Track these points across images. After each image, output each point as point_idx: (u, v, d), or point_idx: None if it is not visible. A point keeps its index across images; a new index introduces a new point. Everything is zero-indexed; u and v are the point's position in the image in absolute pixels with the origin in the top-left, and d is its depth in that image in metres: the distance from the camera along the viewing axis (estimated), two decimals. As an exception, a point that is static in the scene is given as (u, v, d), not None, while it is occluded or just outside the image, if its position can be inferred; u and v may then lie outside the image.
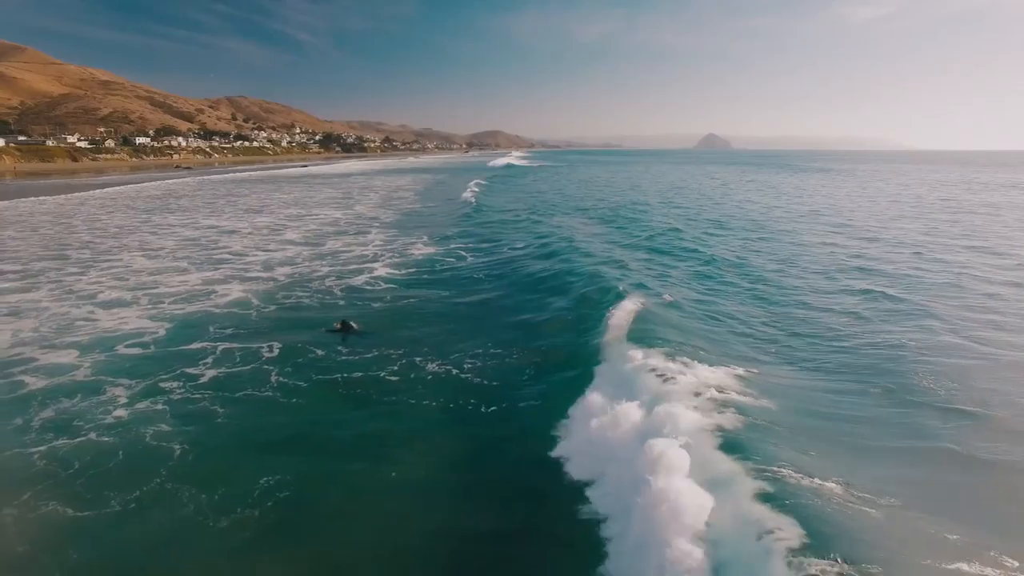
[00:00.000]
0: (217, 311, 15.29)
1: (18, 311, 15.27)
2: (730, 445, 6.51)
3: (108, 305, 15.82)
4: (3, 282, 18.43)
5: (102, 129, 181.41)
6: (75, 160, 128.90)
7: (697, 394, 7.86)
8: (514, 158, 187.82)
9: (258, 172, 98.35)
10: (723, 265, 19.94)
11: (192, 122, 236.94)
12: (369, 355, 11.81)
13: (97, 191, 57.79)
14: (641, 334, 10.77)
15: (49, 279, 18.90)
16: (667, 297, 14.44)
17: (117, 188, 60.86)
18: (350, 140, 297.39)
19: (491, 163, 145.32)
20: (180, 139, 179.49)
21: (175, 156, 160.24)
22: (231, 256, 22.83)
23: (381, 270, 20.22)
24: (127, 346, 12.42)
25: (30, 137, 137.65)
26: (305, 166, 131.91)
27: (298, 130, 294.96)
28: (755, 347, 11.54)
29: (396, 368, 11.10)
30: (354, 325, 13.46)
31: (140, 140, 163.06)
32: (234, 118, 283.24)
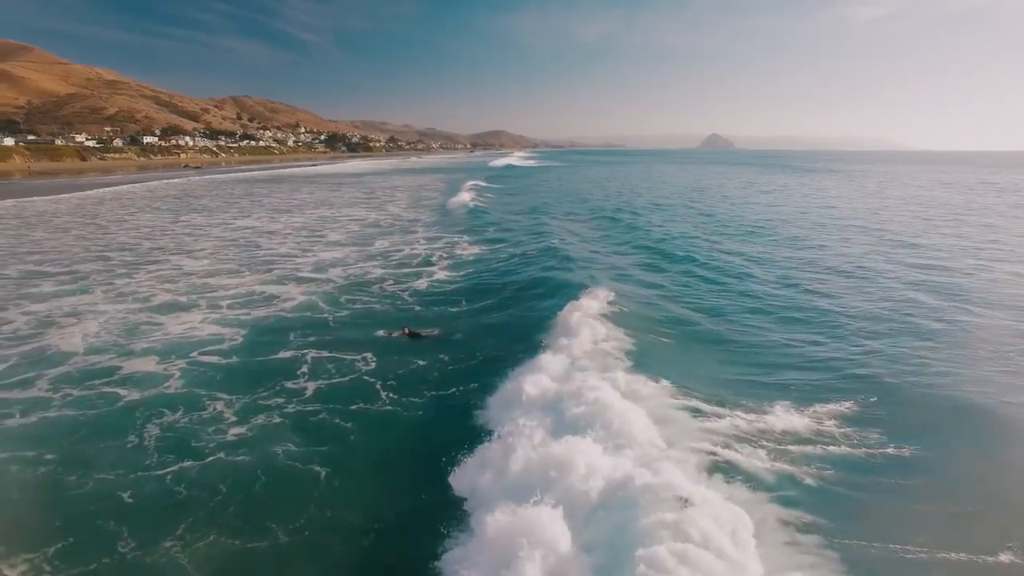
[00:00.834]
0: (288, 315, 14.64)
1: (78, 313, 14.63)
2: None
3: (168, 309, 15.17)
4: (53, 284, 17.80)
5: (108, 129, 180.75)
6: (84, 159, 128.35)
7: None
8: (518, 158, 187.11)
9: (269, 172, 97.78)
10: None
11: (197, 121, 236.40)
12: (460, 365, 11.15)
13: (108, 189, 57.32)
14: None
15: (98, 281, 18.26)
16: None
17: (128, 187, 60.33)
18: (354, 140, 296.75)
19: (499, 162, 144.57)
20: (187, 138, 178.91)
21: (182, 155, 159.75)
22: (279, 257, 22.18)
23: (439, 273, 19.57)
24: (205, 353, 11.75)
25: (39, 137, 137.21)
26: (314, 165, 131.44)
27: (303, 130, 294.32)
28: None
29: (486, 379, 10.35)
30: (423, 333, 12.88)
31: (147, 139, 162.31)
32: (239, 118, 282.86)
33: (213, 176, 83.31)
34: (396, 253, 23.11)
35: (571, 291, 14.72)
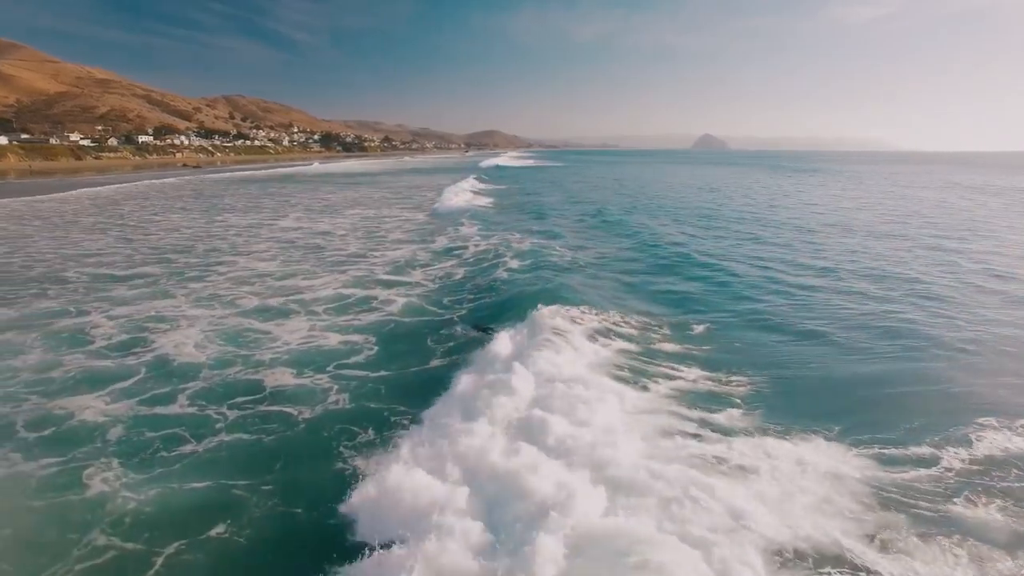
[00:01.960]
0: (405, 320, 13.48)
1: (169, 319, 13.38)
2: None
3: (265, 315, 13.95)
4: (126, 288, 16.47)
5: (100, 127, 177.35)
6: (79, 159, 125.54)
7: None
8: (516, 158, 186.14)
9: (271, 171, 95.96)
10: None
11: (190, 121, 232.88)
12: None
13: (114, 187, 55.53)
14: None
15: (172, 284, 16.97)
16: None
17: (132, 186, 58.59)
18: (349, 140, 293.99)
19: (501, 162, 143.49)
20: (183, 138, 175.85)
21: (177, 155, 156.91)
22: (348, 258, 20.93)
23: (512, 262, 18.68)
24: (346, 367, 10.57)
25: (32, 136, 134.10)
26: (309, 164, 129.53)
27: (296, 129, 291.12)
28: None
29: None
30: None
31: (143, 139, 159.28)
32: (232, 117, 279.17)
33: (215, 175, 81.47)
34: (461, 249, 22.00)
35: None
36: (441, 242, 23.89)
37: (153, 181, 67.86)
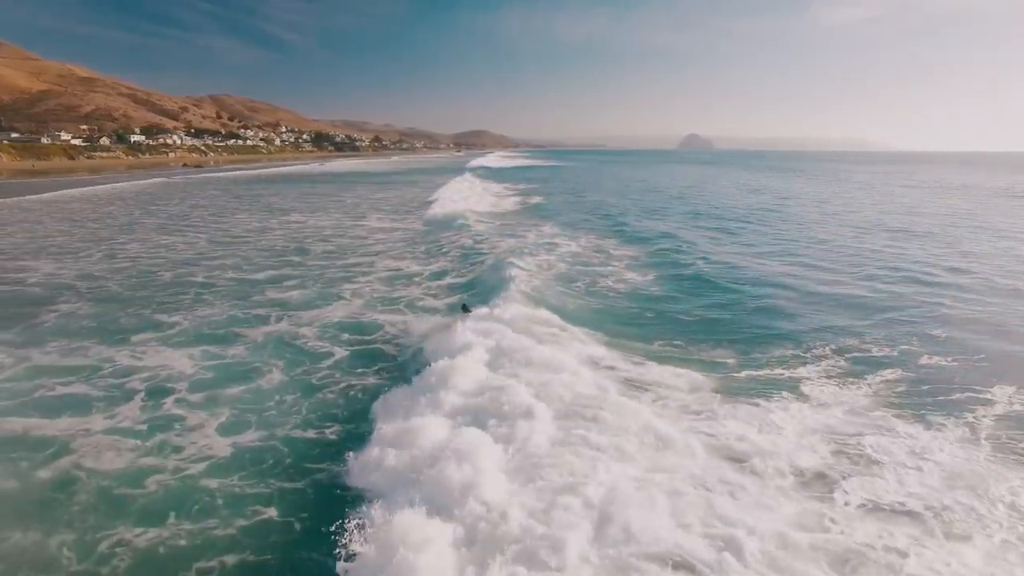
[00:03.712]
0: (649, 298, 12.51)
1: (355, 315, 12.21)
2: None
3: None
4: (277, 290, 15.19)
5: (85, 127, 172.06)
6: (72, 158, 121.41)
7: None
8: (512, 157, 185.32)
9: (278, 170, 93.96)
10: None
11: (177, 120, 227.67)
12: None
13: (116, 185, 53.49)
14: None
15: (327, 281, 15.87)
16: None
17: (146, 182, 56.84)
18: (340, 139, 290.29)
19: (503, 163, 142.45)
20: (175, 137, 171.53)
21: (170, 155, 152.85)
22: (480, 253, 19.64)
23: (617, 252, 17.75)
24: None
25: (21, 134, 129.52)
26: (308, 164, 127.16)
27: (284, 128, 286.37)
28: None
29: None
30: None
31: (135, 138, 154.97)
32: (219, 116, 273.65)
33: (224, 175, 79.25)
34: (563, 248, 20.90)
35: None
36: (533, 239, 22.70)
37: (168, 180, 65.64)
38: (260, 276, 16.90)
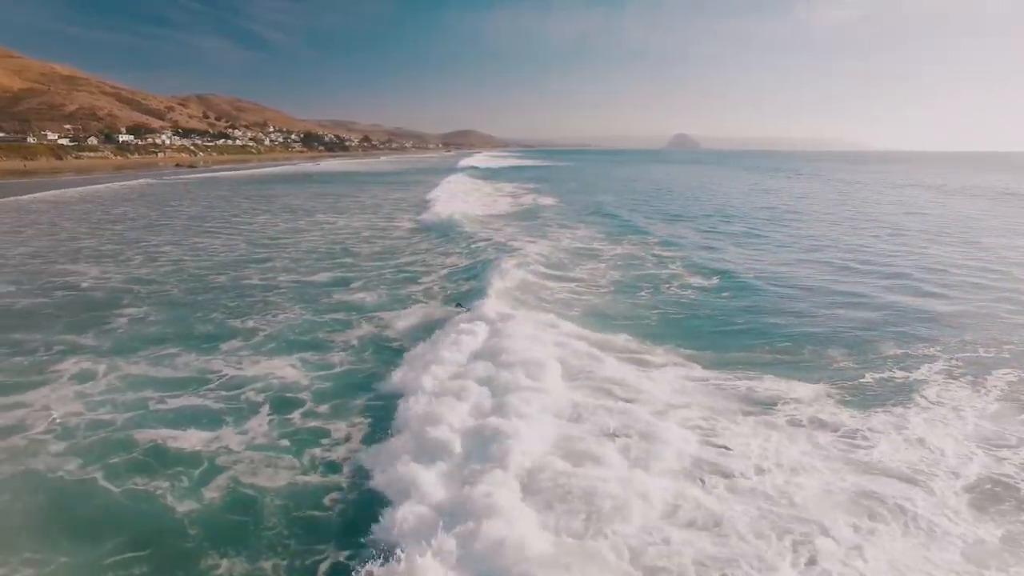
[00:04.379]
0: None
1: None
2: None
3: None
4: (345, 292, 14.72)
5: (69, 126, 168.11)
6: (59, 158, 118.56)
7: None
8: (505, 156, 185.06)
9: (273, 170, 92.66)
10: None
11: (163, 120, 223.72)
12: None
13: (116, 184, 52.25)
14: None
15: (385, 287, 15.37)
16: None
17: (147, 181, 55.35)
18: (329, 139, 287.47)
19: (504, 162, 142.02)
20: (164, 137, 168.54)
21: (160, 154, 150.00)
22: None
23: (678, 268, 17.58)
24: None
25: (5, 133, 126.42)
26: (299, 164, 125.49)
27: (271, 128, 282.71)
28: None
29: None
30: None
31: (123, 138, 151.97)
32: (206, 116, 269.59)
33: (222, 174, 77.87)
34: (610, 250, 20.80)
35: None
36: (583, 240, 22.59)
37: (168, 179, 64.34)
38: (318, 278, 16.39)
